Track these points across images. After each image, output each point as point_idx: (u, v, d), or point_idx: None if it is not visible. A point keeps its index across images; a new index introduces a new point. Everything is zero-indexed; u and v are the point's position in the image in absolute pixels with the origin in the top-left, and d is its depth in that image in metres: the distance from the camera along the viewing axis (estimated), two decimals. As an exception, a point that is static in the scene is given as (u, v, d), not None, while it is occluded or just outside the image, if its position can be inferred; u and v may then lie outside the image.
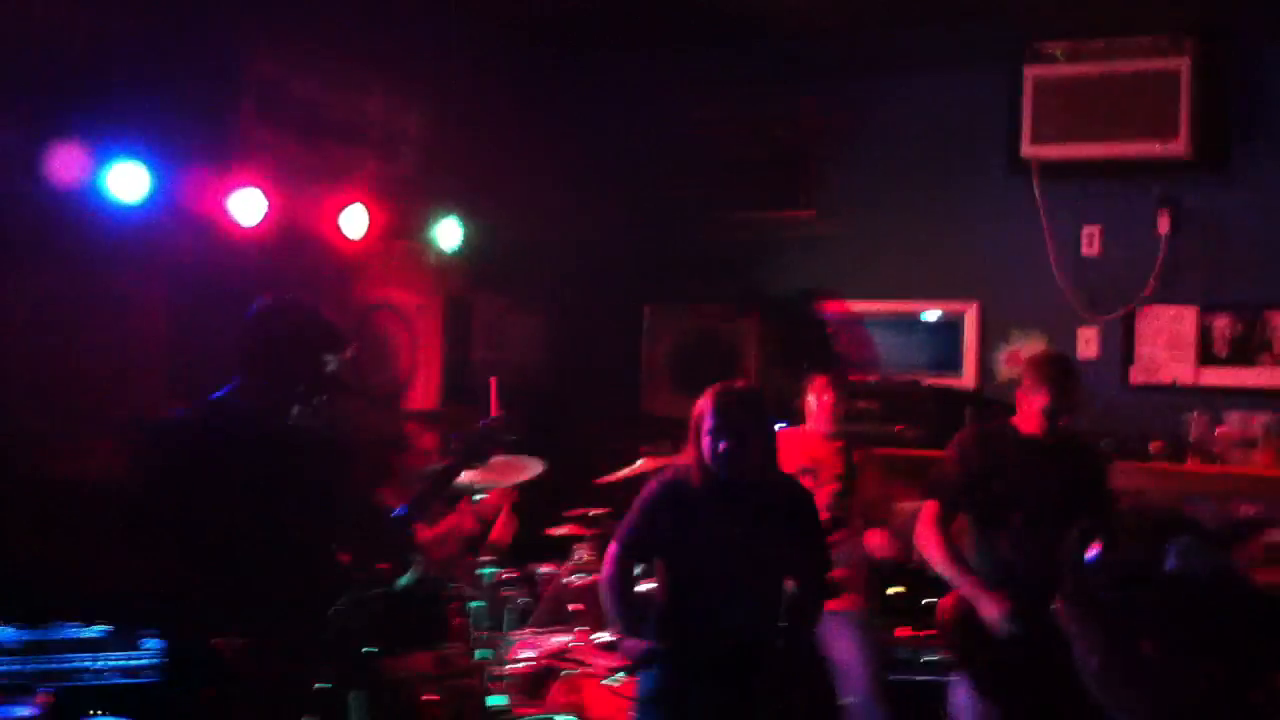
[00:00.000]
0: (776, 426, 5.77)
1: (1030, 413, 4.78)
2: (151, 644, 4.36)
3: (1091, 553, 4.38)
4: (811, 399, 5.71)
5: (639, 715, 4.23)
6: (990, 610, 4.64)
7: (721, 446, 3.99)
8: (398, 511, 3.87)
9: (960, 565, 4.77)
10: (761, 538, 4.07)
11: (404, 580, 3.77)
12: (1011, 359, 6.86)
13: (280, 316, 3.74)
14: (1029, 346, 6.84)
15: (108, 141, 4.97)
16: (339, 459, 3.82)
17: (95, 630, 4.32)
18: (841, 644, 5.44)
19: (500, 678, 5.09)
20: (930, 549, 4.84)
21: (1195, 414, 6.38)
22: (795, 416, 6.05)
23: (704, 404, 4.10)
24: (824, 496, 5.34)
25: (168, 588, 3.54)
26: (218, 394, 3.68)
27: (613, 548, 4.19)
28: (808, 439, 5.69)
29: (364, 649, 3.75)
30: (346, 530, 3.71)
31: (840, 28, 6.98)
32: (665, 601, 4.18)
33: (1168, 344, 6.53)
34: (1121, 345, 6.63)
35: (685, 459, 4.15)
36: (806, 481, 5.45)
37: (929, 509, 4.88)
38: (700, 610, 4.08)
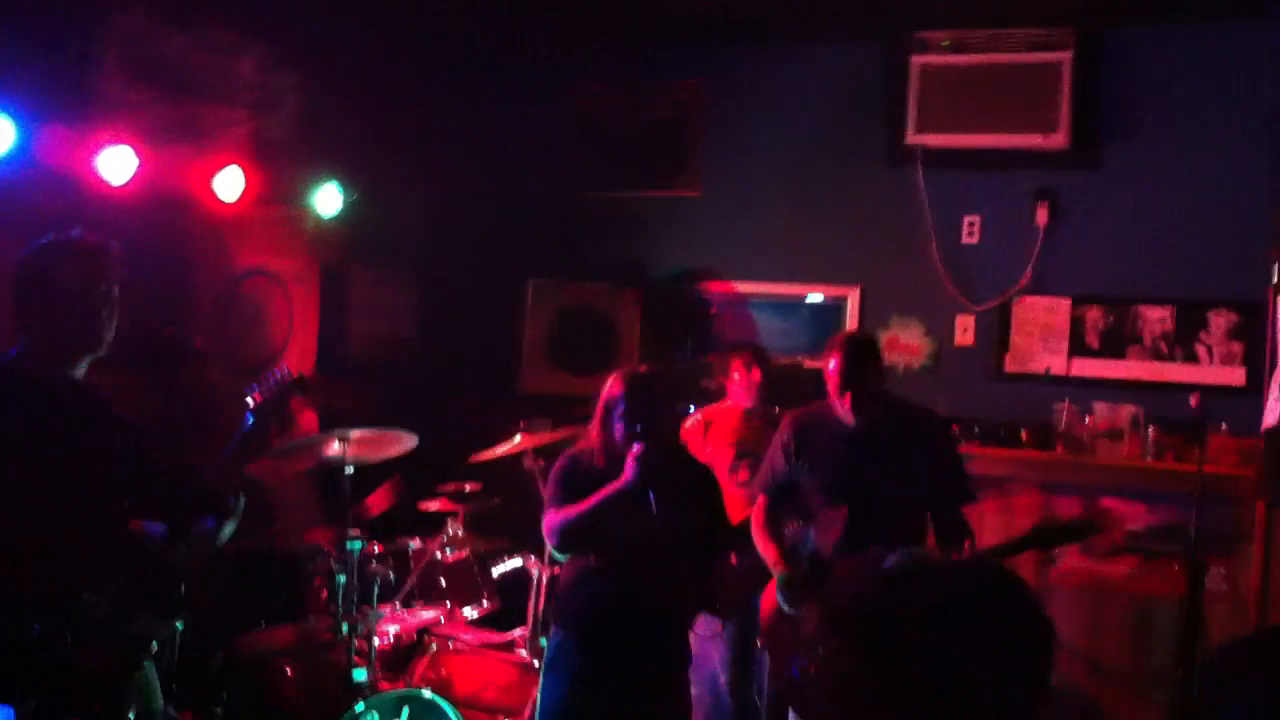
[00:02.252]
0: (690, 407, 5.80)
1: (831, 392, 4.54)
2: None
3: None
4: (736, 375, 5.66)
5: (545, 685, 4.23)
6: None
7: (637, 429, 4.04)
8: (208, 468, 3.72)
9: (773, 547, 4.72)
10: (671, 519, 4.07)
11: (228, 531, 3.62)
12: (890, 344, 6.92)
13: (64, 259, 3.47)
14: (907, 332, 6.93)
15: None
16: (114, 418, 3.59)
17: None
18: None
19: (364, 652, 4.98)
20: (757, 541, 4.78)
21: (1066, 404, 6.50)
22: (683, 396, 6.03)
23: (615, 387, 4.14)
24: None
25: None
26: (3, 357, 3.46)
27: (547, 520, 4.16)
28: (730, 417, 5.64)
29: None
30: (142, 491, 3.51)
31: (727, 6, 6.94)
32: (573, 581, 4.19)
33: (1041, 334, 6.64)
34: (997, 334, 6.72)
35: (588, 442, 4.20)
36: (745, 467, 5.48)
37: (759, 503, 4.85)
38: (611, 590, 4.10)
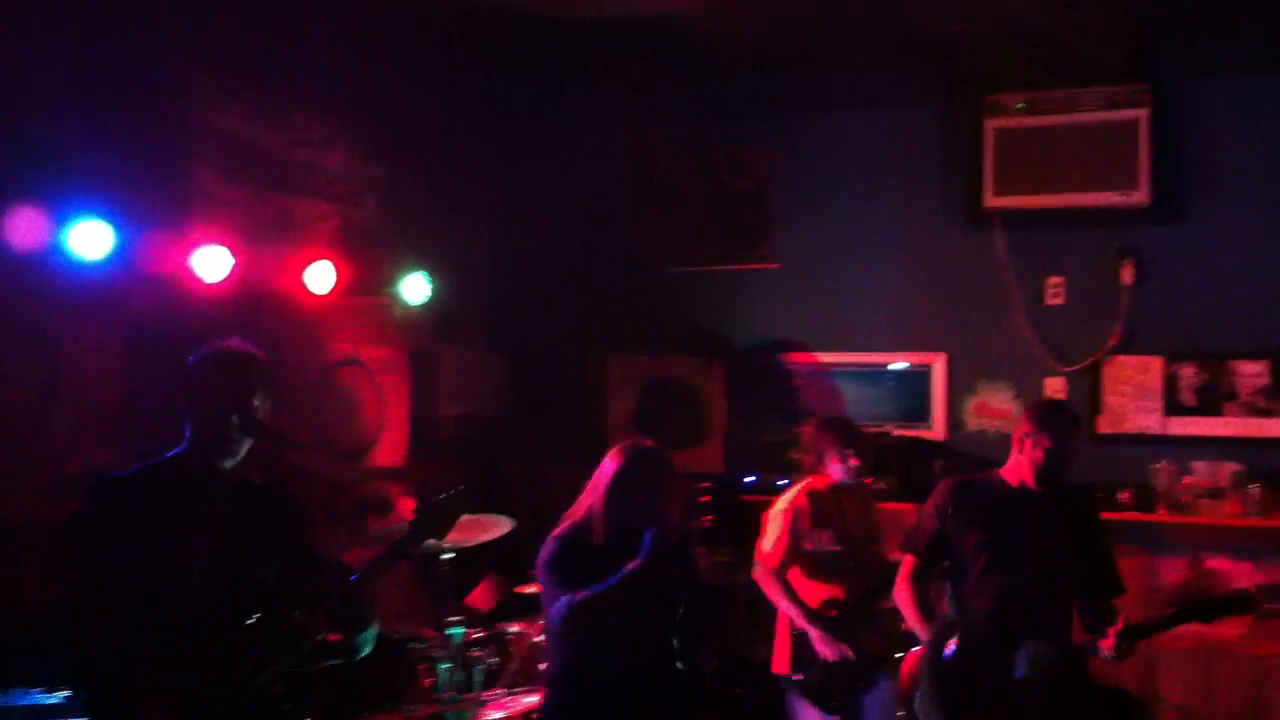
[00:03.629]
0: (781, 483, 5.75)
1: (1026, 462, 4.57)
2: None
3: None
4: (830, 457, 5.57)
5: None
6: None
7: (650, 507, 3.99)
8: (351, 578, 3.73)
9: (925, 619, 4.66)
10: (666, 595, 4.03)
11: (365, 650, 3.63)
12: (979, 409, 6.87)
13: (213, 364, 3.62)
14: (996, 397, 6.87)
15: (68, 201, 4.89)
16: (288, 512, 3.69)
17: (56, 697, 4.22)
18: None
19: (470, 740, 4.99)
20: (902, 603, 4.76)
21: (1163, 463, 6.39)
22: (773, 468, 5.95)
23: (615, 461, 4.13)
24: None
25: (93, 643, 3.40)
26: (171, 453, 3.58)
27: (559, 605, 4.05)
28: (834, 498, 5.57)
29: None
30: (293, 587, 3.55)
31: (798, 75, 7.00)
32: (571, 673, 4.10)
33: (1134, 394, 6.55)
34: (1088, 395, 6.63)
35: (577, 518, 4.15)
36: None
37: (906, 563, 4.79)
38: (609, 668, 4.03)
